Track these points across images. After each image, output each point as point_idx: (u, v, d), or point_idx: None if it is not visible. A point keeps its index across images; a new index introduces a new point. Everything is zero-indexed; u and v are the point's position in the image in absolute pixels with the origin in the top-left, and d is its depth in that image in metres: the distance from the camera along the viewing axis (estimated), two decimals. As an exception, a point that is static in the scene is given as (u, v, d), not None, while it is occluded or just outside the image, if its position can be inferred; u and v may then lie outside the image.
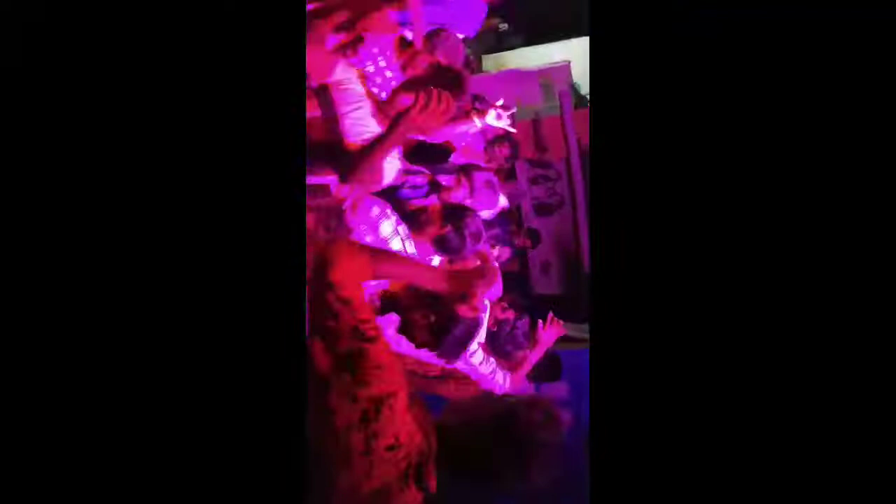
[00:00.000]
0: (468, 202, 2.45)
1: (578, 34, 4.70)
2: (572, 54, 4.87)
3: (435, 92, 1.64)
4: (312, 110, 1.90)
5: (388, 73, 2.23)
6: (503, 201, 2.97)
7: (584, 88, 4.91)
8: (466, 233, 2.00)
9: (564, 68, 4.90)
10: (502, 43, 4.97)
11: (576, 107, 4.74)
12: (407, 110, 1.68)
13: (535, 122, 4.83)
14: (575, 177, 4.53)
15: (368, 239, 1.84)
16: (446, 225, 2.00)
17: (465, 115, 2.52)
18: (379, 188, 1.98)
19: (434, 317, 1.59)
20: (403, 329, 1.64)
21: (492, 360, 2.29)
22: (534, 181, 4.68)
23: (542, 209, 4.75)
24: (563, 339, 2.56)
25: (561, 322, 2.50)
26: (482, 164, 3.01)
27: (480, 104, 2.63)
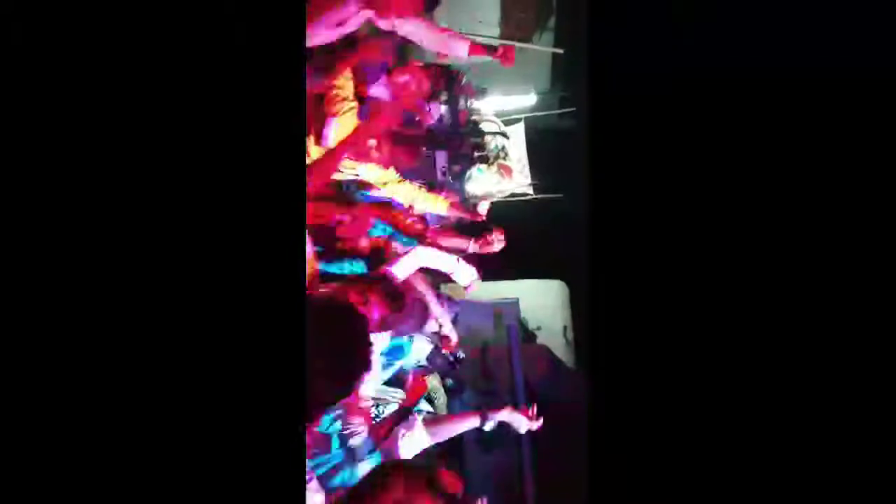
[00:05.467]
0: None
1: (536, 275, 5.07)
2: (519, 290, 5.19)
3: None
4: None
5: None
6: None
7: (532, 324, 5.14)
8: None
9: (514, 304, 5.17)
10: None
11: (523, 341, 4.91)
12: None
13: (484, 351, 4.93)
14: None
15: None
16: None
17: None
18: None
19: None
20: None
21: None
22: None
23: (483, 442, 4.62)
24: None
25: None
26: None
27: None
